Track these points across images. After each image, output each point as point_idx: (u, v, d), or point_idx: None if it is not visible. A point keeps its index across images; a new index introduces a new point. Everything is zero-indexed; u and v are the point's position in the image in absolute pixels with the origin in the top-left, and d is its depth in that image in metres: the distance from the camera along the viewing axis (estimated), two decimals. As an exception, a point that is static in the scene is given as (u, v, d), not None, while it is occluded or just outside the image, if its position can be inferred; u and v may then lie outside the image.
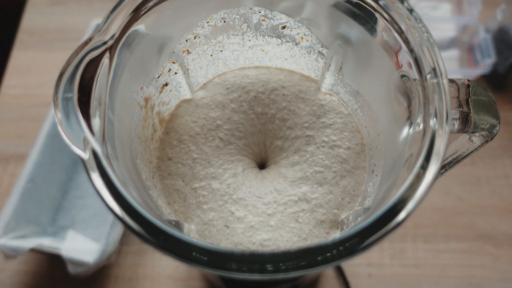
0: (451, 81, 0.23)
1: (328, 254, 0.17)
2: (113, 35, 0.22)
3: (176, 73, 0.29)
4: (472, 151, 0.24)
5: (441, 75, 0.21)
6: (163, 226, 0.18)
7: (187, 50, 0.29)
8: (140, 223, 0.18)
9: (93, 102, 0.20)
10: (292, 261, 0.17)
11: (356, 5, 0.24)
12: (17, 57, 0.70)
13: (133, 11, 0.23)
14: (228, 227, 0.27)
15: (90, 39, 0.21)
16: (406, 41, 0.23)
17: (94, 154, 0.19)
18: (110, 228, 0.47)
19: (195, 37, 0.29)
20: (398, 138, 0.24)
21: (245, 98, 0.31)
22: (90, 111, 0.20)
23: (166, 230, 0.18)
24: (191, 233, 0.27)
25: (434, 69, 0.22)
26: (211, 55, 0.31)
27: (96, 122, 0.20)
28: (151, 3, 0.24)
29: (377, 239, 0.18)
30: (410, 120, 0.23)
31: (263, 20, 0.29)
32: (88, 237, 0.50)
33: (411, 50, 0.22)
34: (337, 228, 0.27)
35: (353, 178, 0.29)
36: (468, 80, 0.23)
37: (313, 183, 0.28)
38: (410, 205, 0.19)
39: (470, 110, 0.22)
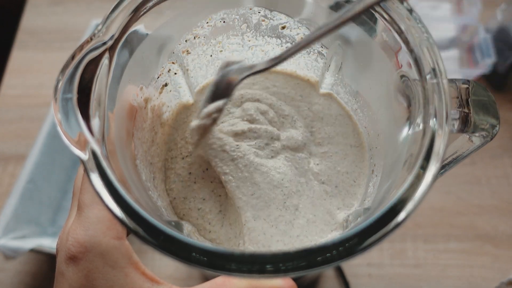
0: (451, 81, 0.23)
1: (328, 254, 0.17)
2: (113, 36, 0.22)
3: (175, 73, 0.29)
4: (472, 151, 0.24)
5: (441, 75, 0.21)
6: (163, 227, 0.18)
7: (187, 51, 0.29)
8: (140, 224, 0.18)
9: (93, 103, 0.20)
10: (292, 262, 0.17)
11: (356, 5, 0.24)
12: (17, 57, 0.70)
13: (132, 12, 0.23)
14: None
15: (89, 40, 0.21)
16: (406, 41, 0.23)
17: (94, 154, 0.19)
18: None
19: (194, 38, 0.29)
20: (398, 138, 0.24)
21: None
22: (89, 112, 0.20)
23: (166, 231, 0.18)
24: (192, 233, 0.27)
25: (433, 69, 0.21)
26: (211, 56, 0.31)
27: (95, 122, 0.20)
28: (150, 4, 0.24)
29: (377, 239, 0.18)
30: (410, 120, 0.23)
31: (263, 21, 0.29)
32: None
33: (411, 50, 0.22)
34: (336, 226, 0.27)
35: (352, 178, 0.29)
36: (468, 80, 0.23)
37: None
38: (410, 206, 0.19)
39: (470, 110, 0.22)
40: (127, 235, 0.23)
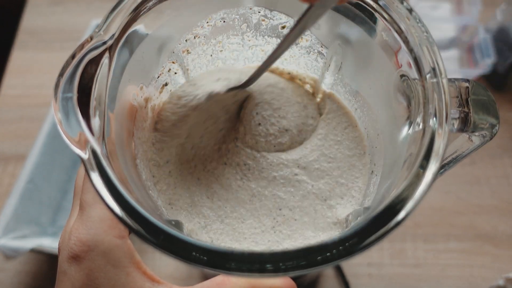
0: (451, 80, 0.23)
1: (328, 254, 0.17)
2: (113, 35, 0.22)
3: (176, 73, 0.29)
4: (471, 151, 0.24)
5: (441, 74, 0.21)
6: (163, 226, 0.18)
7: (187, 50, 0.29)
8: (140, 223, 0.18)
9: (93, 102, 0.20)
10: (292, 261, 0.17)
11: (356, 5, 0.24)
12: (17, 57, 0.70)
13: (132, 11, 0.23)
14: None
15: (89, 39, 0.21)
16: (406, 41, 0.23)
17: (94, 154, 0.19)
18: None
19: (194, 37, 0.29)
20: (398, 138, 0.24)
21: None
22: (89, 111, 0.20)
23: (166, 230, 0.18)
24: (192, 232, 0.27)
25: (433, 69, 0.22)
26: (211, 55, 0.31)
27: (95, 122, 0.20)
28: (150, 3, 0.24)
29: (377, 239, 0.18)
30: (409, 120, 0.23)
31: (263, 20, 0.29)
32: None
33: (411, 50, 0.22)
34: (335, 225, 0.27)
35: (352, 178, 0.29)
36: (468, 80, 0.23)
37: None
38: (409, 205, 0.19)
39: (469, 109, 0.22)
40: (129, 234, 0.23)
